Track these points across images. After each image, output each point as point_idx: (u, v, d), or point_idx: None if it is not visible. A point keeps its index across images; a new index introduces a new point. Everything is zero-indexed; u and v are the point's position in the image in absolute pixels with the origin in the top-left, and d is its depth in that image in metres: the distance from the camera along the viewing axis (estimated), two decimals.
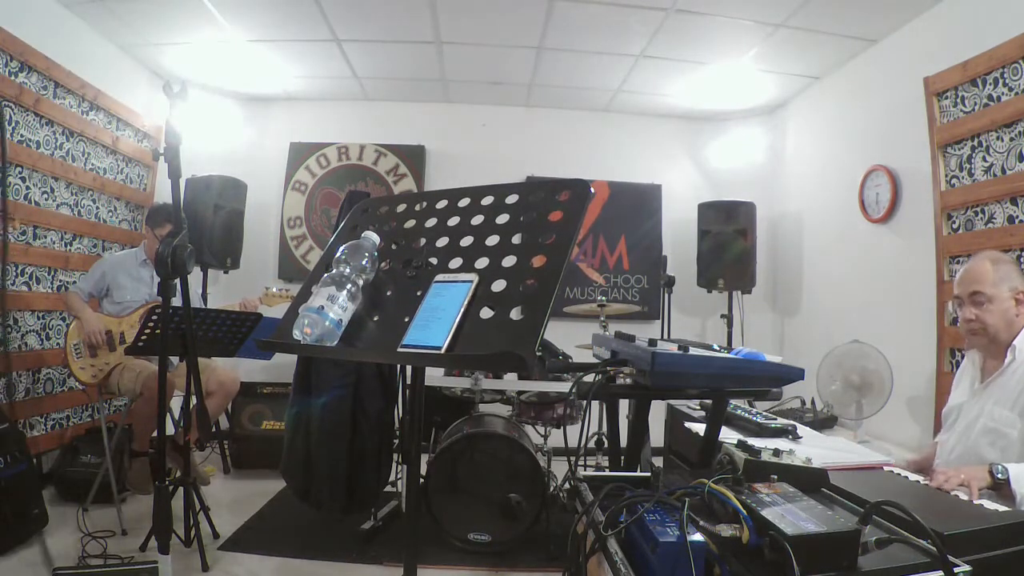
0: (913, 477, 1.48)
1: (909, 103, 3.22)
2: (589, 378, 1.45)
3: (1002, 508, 1.19)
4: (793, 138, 4.66)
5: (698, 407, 2.46)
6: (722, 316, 4.47)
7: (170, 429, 3.13)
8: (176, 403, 2.99)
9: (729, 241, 4.30)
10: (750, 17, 3.42)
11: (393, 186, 4.90)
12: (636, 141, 5.01)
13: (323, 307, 1.11)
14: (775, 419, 2.04)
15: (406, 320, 1.09)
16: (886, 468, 1.57)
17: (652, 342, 1.45)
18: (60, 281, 3.51)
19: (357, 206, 1.44)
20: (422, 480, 2.67)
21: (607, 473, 1.65)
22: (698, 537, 0.94)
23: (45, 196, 3.37)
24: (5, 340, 3.08)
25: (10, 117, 3.08)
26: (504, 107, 4.97)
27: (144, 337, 2.62)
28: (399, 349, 1.06)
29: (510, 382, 3.20)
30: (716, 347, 1.63)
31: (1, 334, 3.06)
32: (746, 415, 2.11)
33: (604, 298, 3.76)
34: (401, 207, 1.35)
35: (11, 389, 3.10)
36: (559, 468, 3.25)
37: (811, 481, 1.22)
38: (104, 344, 2.94)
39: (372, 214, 1.40)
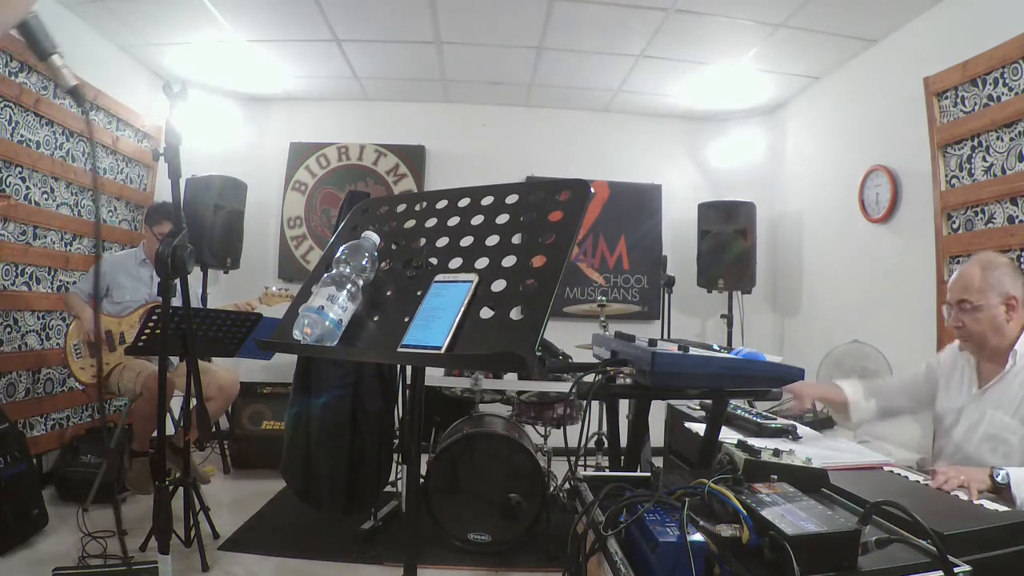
0: (913, 477, 1.48)
1: (909, 103, 3.22)
2: (589, 378, 1.45)
3: (1002, 508, 1.19)
4: (793, 138, 4.66)
5: (698, 407, 2.46)
6: (722, 316, 4.47)
7: (170, 429, 3.13)
8: (176, 403, 2.99)
9: (729, 241, 4.30)
10: (750, 17, 3.42)
11: (393, 186, 4.90)
12: (636, 141, 5.01)
13: (323, 307, 1.11)
14: (775, 419, 2.04)
15: (406, 320, 1.09)
16: (886, 468, 1.57)
17: (652, 342, 1.45)
18: (60, 281, 3.51)
19: (357, 206, 1.44)
20: (422, 480, 2.68)
21: (607, 473, 1.65)
22: (698, 537, 0.94)
23: (45, 196, 3.37)
24: None
25: (10, 117, 3.08)
26: (504, 107, 4.97)
27: (144, 337, 2.62)
28: (399, 349, 1.06)
29: (510, 382, 3.20)
30: (716, 347, 1.63)
31: None
32: (746, 415, 2.11)
33: (604, 298, 3.76)
34: (401, 207, 1.35)
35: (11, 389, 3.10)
36: (559, 468, 3.25)
37: (811, 481, 1.22)
38: (104, 344, 2.94)
39: (372, 214, 1.40)
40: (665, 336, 4.24)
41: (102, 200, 3.89)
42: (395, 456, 3.01)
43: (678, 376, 1.37)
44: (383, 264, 1.25)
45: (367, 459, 2.80)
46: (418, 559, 1.27)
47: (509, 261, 1.08)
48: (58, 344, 3.42)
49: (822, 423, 3.23)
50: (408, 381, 2.32)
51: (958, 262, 2.97)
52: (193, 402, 2.34)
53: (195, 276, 4.00)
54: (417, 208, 1.32)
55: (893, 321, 3.37)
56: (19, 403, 3.17)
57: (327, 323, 1.10)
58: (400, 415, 3.02)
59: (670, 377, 1.36)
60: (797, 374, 1.48)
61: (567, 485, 1.38)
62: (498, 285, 1.05)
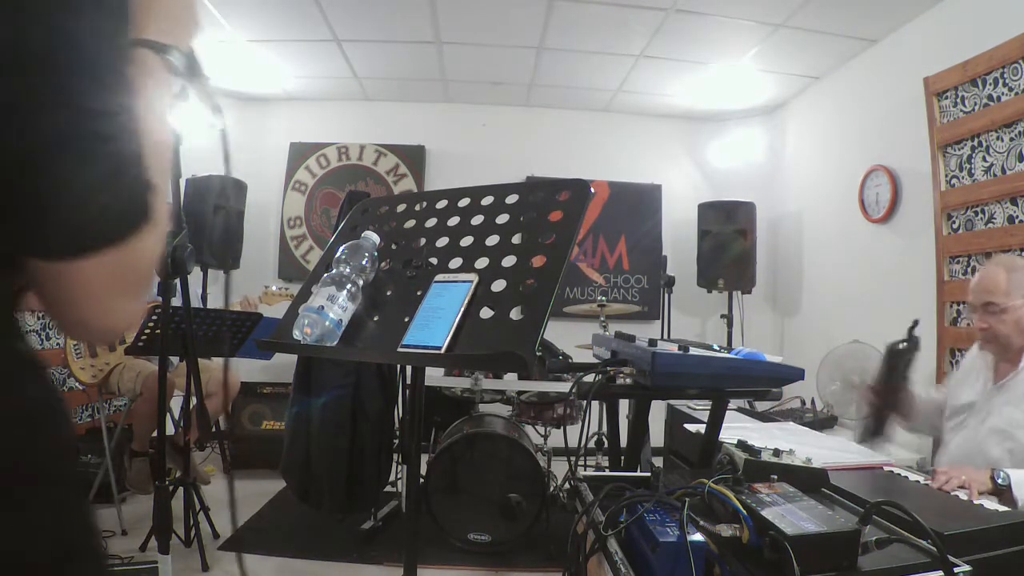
0: (913, 477, 1.48)
1: (909, 103, 3.22)
2: (589, 378, 1.45)
3: (1002, 508, 1.19)
4: (793, 138, 4.66)
5: (699, 407, 2.46)
6: (722, 316, 4.47)
7: (170, 429, 3.13)
8: (176, 403, 2.99)
9: (729, 241, 4.30)
10: (750, 17, 3.42)
11: (393, 186, 4.90)
12: (636, 141, 5.01)
13: (323, 307, 1.11)
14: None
15: (406, 320, 1.09)
16: (886, 468, 1.57)
17: (652, 342, 1.45)
18: None
19: (357, 206, 1.43)
20: (422, 480, 2.68)
21: (607, 473, 1.65)
22: (698, 537, 0.94)
23: None
24: None
25: None
26: (504, 107, 4.97)
27: (144, 337, 2.62)
28: (399, 349, 1.06)
29: (510, 382, 3.20)
30: (716, 347, 1.63)
31: None
32: None
33: (604, 298, 3.76)
34: (401, 207, 1.35)
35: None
36: (559, 468, 3.25)
37: (811, 481, 1.22)
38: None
39: (372, 214, 1.40)
40: (665, 336, 4.24)
41: None
42: (395, 456, 3.01)
43: (678, 376, 1.37)
44: (383, 264, 1.24)
45: (367, 459, 2.80)
46: (418, 559, 1.27)
47: (509, 261, 1.08)
48: (58, 344, 3.41)
49: (822, 423, 3.24)
50: (408, 381, 2.32)
51: (958, 262, 2.97)
52: (193, 402, 2.34)
53: (195, 276, 4.00)
54: (417, 208, 1.32)
55: (893, 321, 3.35)
56: None
57: (327, 323, 1.10)
58: (400, 415, 3.02)
59: (670, 377, 1.36)
60: (797, 374, 1.48)
61: (567, 485, 1.38)
62: (498, 285, 1.05)
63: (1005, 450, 1.72)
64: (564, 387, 2.99)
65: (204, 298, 4.14)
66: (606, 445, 3.54)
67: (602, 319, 3.58)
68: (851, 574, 0.88)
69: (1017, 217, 2.64)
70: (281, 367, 4.18)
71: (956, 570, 0.87)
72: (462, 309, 1.03)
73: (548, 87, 4.60)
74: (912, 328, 1.89)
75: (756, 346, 1.75)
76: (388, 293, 1.19)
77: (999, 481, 1.48)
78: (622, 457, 1.75)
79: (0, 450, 0.49)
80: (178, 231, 1.87)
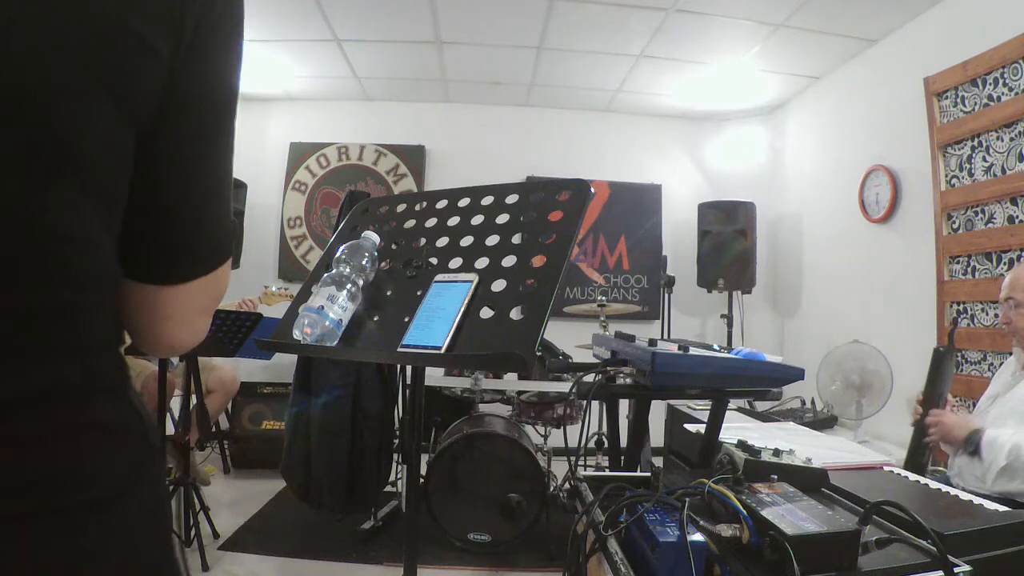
0: (913, 477, 1.48)
1: (909, 103, 3.22)
2: (589, 378, 1.45)
3: (1002, 508, 1.19)
4: (793, 138, 4.66)
5: (699, 407, 2.46)
6: (722, 316, 4.47)
7: (170, 429, 3.13)
8: (176, 403, 2.99)
9: (729, 241, 4.30)
10: (750, 17, 3.42)
11: (393, 186, 4.90)
12: (636, 141, 5.01)
13: (323, 307, 1.11)
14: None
15: (406, 320, 1.09)
16: (886, 468, 1.57)
17: (652, 342, 1.45)
18: None
19: (357, 206, 1.43)
20: (422, 480, 2.68)
21: (607, 473, 1.65)
22: (698, 537, 0.94)
23: None
24: None
25: None
26: (504, 107, 4.96)
27: None
28: (399, 349, 1.06)
29: (510, 382, 3.21)
30: (716, 347, 1.63)
31: None
32: None
33: (604, 298, 3.76)
34: (401, 207, 1.35)
35: None
36: (559, 468, 3.25)
37: (811, 481, 1.22)
38: None
39: (372, 214, 1.40)
40: (665, 336, 4.24)
41: None
42: (395, 456, 3.01)
43: (678, 376, 1.37)
44: (383, 264, 1.24)
45: (367, 459, 2.80)
46: (418, 559, 1.27)
47: (509, 261, 1.08)
48: None
49: (822, 423, 3.24)
50: (408, 381, 2.32)
51: (958, 262, 2.97)
52: (193, 402, 2.34)
53: None
54: (417, 208, 1.32)
55: (893, 321, 3.37)
56: None
57: (327, 323, 1.10)
58: (400, 415, 3.02)
59: (670, 377, 1.36)
60: (797, 374, 1.48)
61: (567, 485, 1.38)
62: (498, 285, 1.05)
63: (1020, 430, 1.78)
64: (564, 387, 2.99)
65: None
66: (606, 445, 3.54)
67: (602, 319, 3.58)
68: (851, 574, 0.88)
69: (1017, 217, 2.64)
70: (281, 367, 4.18)
71: (956, 570, 0.87)
72: (462, 309, 1.03)
73: (548, 87, 4.60)
74: (952, 332, 2.06)
75: (756, 346, 1.75)
76: (388, 293, 1.19)
77: (969, 449, 1.61)
78: (622, 457, 1.75)
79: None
80: None
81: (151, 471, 0.57)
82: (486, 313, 1.02)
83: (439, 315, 1.05)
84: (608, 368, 1.46)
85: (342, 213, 3.32)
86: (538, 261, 1.04)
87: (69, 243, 0.48)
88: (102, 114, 0.47)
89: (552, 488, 2.99)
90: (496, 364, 1.09)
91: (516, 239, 1.11)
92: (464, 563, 2.69)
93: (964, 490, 1.49)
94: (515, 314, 0.99)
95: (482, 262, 1.11)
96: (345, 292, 1.13)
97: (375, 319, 1.16)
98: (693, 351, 1.43)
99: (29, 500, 0.45)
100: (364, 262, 1.18)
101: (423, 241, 1.24)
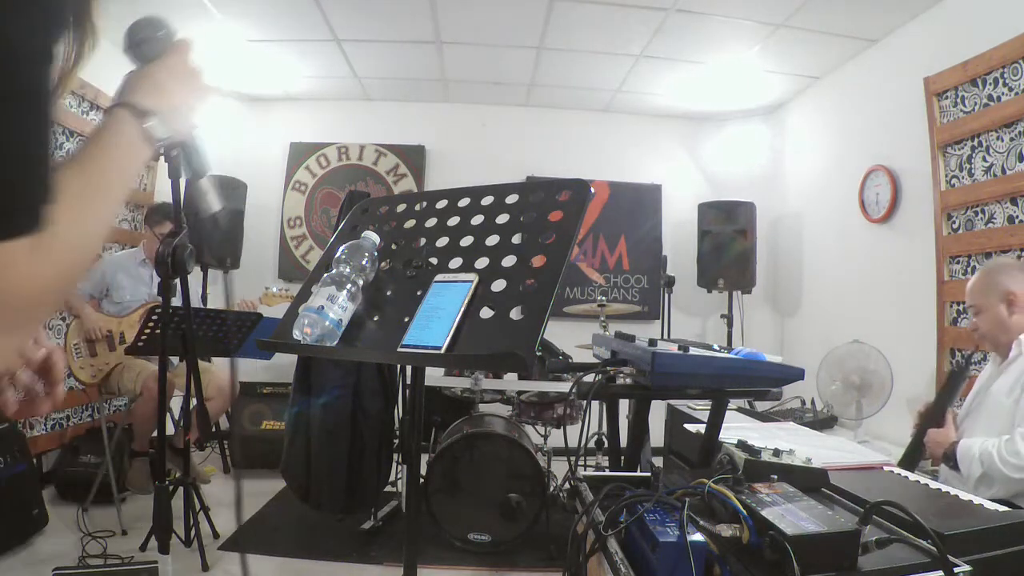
0: (913, 477, 1.48)
1: (909, 103, 3.22)
2: (589, 378, 1.45)
3: (1002, 508, 1.19)
4: (793, 138, 4.66)
5: (699, 407, 2.46)
6: (722, 316, 4.47)
7: (170, 429, 3.13)
8: (176, 403, 2.99)
9: (729, 241, 4.30)
10: (750, 17, 3.42)
11: (393, 186, 4.90)
12: (636, 141, 5.01)
13: (323, 307, 1.11)
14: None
15: (406, 320, 1.09)
16: (886, 468, 1.57)
17: (652, 342, 1.45)
18: None
19: (357, 206, 1.43)
20: (422, 480, 2.68)
21: (607, 473, 1.65)
22: (698, 537, 0.94)
23: None
24: None
25: None
26: (504, 107, 4.96)
27: (144, 337, 2.62)
28: (399, 349, 1.06)
29: (510, 382, 3.20)
30: (716, 347, 1.63)
31: None
32: None
33: (604, 298, 3.76)
34: (401, 207, 1.35)
35: None
36: (559, 468, 3.25)
37: (811, 481, 1.22)
38: (104, 340, 2.94)
39: (372, 214, 1.40)
40: (665, 336, 4.24)
41: None
42: (395, 456, 3.01)
43: (678, 376, 1.37)
44: (383, 264, 1.24)
45: (367, 459, 2.80)
46: (418, 559, 1.27)
47: (509, 261, 1.08)
48: (58, 343, 3.42)
49: (822, 423, 3.24)
50: (408, 381, 2.32)
51: (958, 262, 2.97)
52: (193, 402, 2.34)
53: (195, 276, 4.00)
54: (417, 208, 1.32)
55: (893, 321, 3.37)
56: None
57: (327, 323, 1.10)
58: (400, 415, 3.02)
59: (670, 377, 1.35)
60: (797, 374, 1.48)
61: (567, 485, 1.38)
62: (498, 285, 1.05)
63: (995, 431, 1.85)
64: (564, 387, 2.99)
65: (204, 298, 4.14)
66: (606, 445, 3.54)
67: (602, 319, 3.58)
68: (851, 574, 0.88)
69: (1017, 217, 2.64)
70: (281, 367, 4.18)
71: (956, 570, 0.87)
72: (462, 309, 1.03)
73: (548, 87, 4.60)
74: (971, 355, 2.18)
75: (756, 346, 1.75)
76: (388, 293, 1.19)
77: (949, 463, 1.72)
78: (622, 457, 1.75)
79: None
80: (178, 231, 1.87)
81: None
82: (486, 313, 1.02)
83: (439, 315, 1.05)
84: (608, 368, 1.46)
85: (342, 213, 3.33)
86: (538, 261, 1.04)
87: None
88: None
89: (552, 488, 2.99)
90: (496, 364, 1.09)
91: (516, 239, 1.11)
92: (464, 563, 2.69)
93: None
94: (515, 314, 0.99)
95: (482, 262, 1.11)
96: (345, 292, 1.13)
97: (375, 319, 1.16)
98: (693, 351, 1.43)
99: None
100: (364, 262, 1.18)
101: (423, 241, 1.24)
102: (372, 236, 1.23)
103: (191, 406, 2.44)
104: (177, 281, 1.94)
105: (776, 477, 1.14)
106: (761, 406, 3.33)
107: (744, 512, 0.96)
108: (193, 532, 2.54)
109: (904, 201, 3.39)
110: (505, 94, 4.78)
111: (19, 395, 0.72)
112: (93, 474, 2.98)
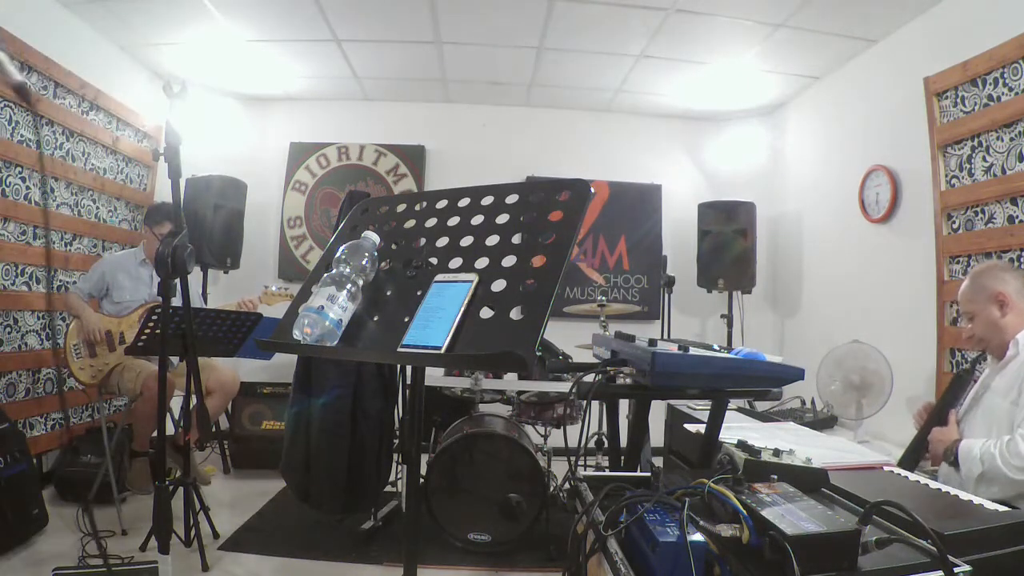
0: (913, 477, 1.48)
1: (909, 103, 3.22)
2: (589, 378, 1.45)
3: (1002, 508, 1.19)
4: (793, 138, 4.66)
5: (699, 407, 2.46)
6: (722, 316, 4.47)
7: (170, 429, 3.13)
8: (176, 403, 2.99)
9: (729, 241, 4.30)
10: (750, 17, 3.42)
11: (393, 186, 4.90)
12: (636, 141, 5.01)
13: (323, 307, 1.11)
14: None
15: (406, 320, 1.09)
16: (886, 468, 1.57)
17: (652, 342, 1.45)
18: (60, 281, 3.51)
19: (357, 206, 1.44)
20: (422, 480, 2.68)
21: (607, 473, 1.65)
22: (698, 537, 0.94)
23: (45, 196, 3.37)
24: None
25: (10, 117, 3.08)
26: (504, 107, 4.97)
27: (144, 337, 2.62)
28: (399, 349, 1.06)
29: (510, 382, 3.20)
30: (716, 347, 1.63)
31: None
32: None
33: (604, 298, 3.76)
34: (401, 207, 1.35)
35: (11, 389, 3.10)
36: (559, 468, 3.25)
37: (811, 481, 1.22)
38: (103, 342, 2.94)
39: (372, 214, 1.40)
40: (665, 336, 4.24)
41: (102, 200, 3.90)
42: (395, 456, 3.01)
43: (678, 376, 1.37)
44: (383, 264, 1.25)
45: (367, 459, 2.80)
46: (418, 559, 1.27)
47: (509, 261, 1.08)
48: (58, 344, 3.41)
49: (822, 423, 3.24)
50: (408, 381, 2.32)
51: (958, 262, 2.98)
52: (193, 402, 2.34)
53: (195, 276, 4.00)
54: (417, 208, 1.32)
55: (893, 321, 3.37)
56: (19, 403, 3.17)
57: (327, 323, 1.10)
58: (400, 415, 3.02)
59: (670, 377, 1.36)
60: (797, 374, 1.48)
61: (567, 485, 1.38)
62: (498, 285, 1.05)
63: (995, 432, 1.85)
64: (564, 387, 2.99)
65: (204, 298, 4.14)
66: (606, 445, 3.54)
67: (602, 319, 3.58)
68: (851, 574, 0.88)
69: (1017, 217, 2.64)
70: (281, 367, 4.18)
71: (956, 570, 0.87)
72: (462, 309, 1.03)
73: (548, 87, 4.60)
74: (977, 358, 2.13)
75: (756, 346, 1.75)
76: (388, 293, 1.20)
77: (949, 460, 1.73)
78: (622, 457, 1.75)
79: None
80: (178, 231, 1.87)
81: None
82: (486, 313, 1.02)
83: (439, 315, 1.06)
84: (608, 368, 1.46)
85: (342, 213, 3.32)
86: (538, 261, 1.04)
87: None
88: None
89: (552, 488, 2.99)
90: (496, 364, 1.09)
91: (516, 239, 1.11)
92: (464, 563, 2.69)
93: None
94: (515, 314, 0.99)
95: (482, 262, 1.11)
96: (345, 292, 1.13)
97: (375, 319, 1.16)
98: (693, 351, 1.43)
99: None
100: (364, 262, 1.18)
101: (423, 241, 1.25)
102: (372, 236, 1.23)
103: (191, 406, 2.44)
104: (177, 281, 1.94)
105: (776, 477, 1.14)
106: (761, 406, 3.33)
107: (744, 512, 0.96)
108: (193, 532, 2.54)
109: (904, 201, 3.39)
110: (505, 94, 4.78)
111: None
112: (93, 474, 2.98)
